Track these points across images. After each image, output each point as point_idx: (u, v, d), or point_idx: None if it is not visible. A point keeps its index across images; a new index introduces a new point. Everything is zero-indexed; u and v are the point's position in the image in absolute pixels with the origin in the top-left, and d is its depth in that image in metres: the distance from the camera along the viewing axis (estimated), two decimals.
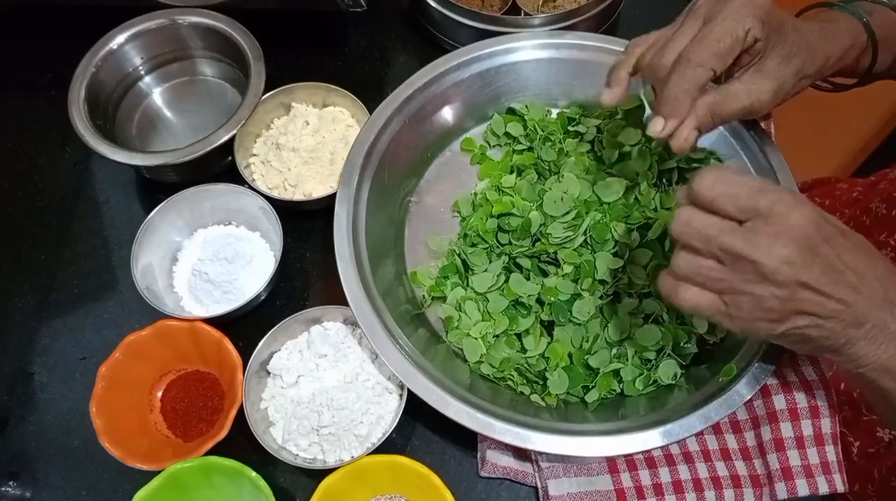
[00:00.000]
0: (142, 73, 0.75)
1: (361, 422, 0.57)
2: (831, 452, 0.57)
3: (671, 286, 0.44)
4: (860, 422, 0.67)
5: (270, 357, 0.60)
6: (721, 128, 0.64)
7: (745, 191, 0.40)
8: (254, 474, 0.54)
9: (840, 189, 0.81)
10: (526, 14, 0.75)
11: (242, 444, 0.60)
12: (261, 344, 0.59)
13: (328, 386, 0.59)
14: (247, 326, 0.65)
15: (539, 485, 0.58)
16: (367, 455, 0.55)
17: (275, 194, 0.67)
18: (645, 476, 0.57)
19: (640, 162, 0.64)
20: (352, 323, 0.61)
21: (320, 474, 0.55)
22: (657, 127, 0.51)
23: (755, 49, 0.50)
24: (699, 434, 0.59)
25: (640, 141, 0.65)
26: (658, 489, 0.57)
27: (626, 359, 0.58)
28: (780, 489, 0.56)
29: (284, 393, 0.60)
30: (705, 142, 0.65)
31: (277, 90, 0.70)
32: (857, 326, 0.42)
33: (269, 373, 0.60)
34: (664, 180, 0.64)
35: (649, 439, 0.51)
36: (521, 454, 0.59)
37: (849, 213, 0.75)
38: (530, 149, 0.68)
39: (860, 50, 0.58)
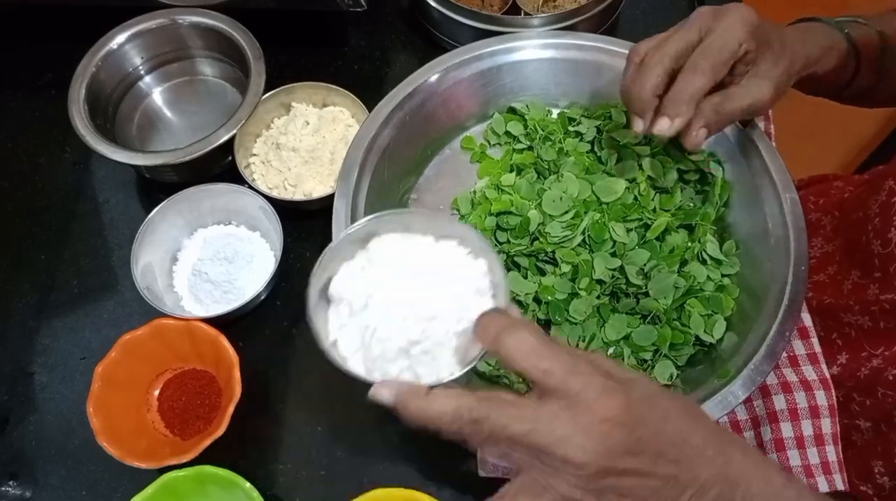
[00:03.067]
0: (142, 72, 0.75)
1: (457, 332, 0.46)
2: (832, 452, 0.57)
3: None
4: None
5: (328, 283, 0.49)
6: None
7: (558, 368, 0.38)
8: (248, 485, 0.54)
9: (836, 187, 0.82)
10: (526, 14, 0.75)
11: (240, 442, 0.60)
12: (315, 271, 0.48)
13: (408, 298, 0.48)
14: (247, 326, 0.65)
15: None
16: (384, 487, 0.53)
17: (275, 194, 0.67)
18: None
19: (647, 162, 0.64)
20: (408, 229, 0.51)
21: (322, 480, 0.54)
22: (663, 125, 0.54)
23: (748, 58, 0.54)
24: None
25: (640, 141, 0.65)
26: None
27: (623, 359, 0.58)
28: None
29: (355, 321, 0.49)
30: (705, 142, 0.65)
31: (277, 90, 0.70)
32: (702, 493, 0.39)
33: (328, 302, 0.50)
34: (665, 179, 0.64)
35: None
36: None
37: (839, 215, 0.75)
38: (530, 148, 0.68)
39: (841, 54, 0.62)
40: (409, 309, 0.47)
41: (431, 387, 0.41)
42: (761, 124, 0.71)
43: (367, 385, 0.44)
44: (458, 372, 0.45)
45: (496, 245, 0.63)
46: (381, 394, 0.42)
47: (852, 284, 0.67)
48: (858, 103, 0.72)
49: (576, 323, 0.59)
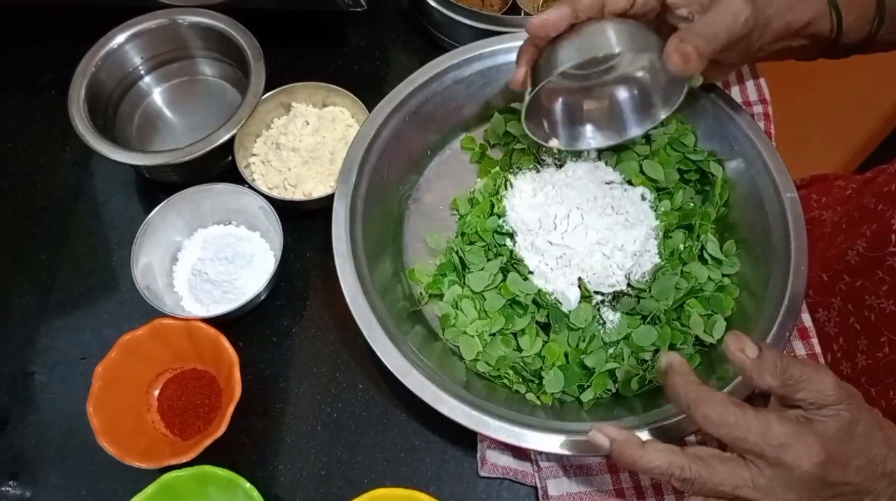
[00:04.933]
0: (142, 72, 0.75)
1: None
2: None
3: None
4: None
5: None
6: (720, 129, 0.64)
7: (751, 436, 0.42)
8: (248, 485, 0.53)
9: (837, 186, 0.82)
10: (526, 14, 0.75)
11: (240, 442, 0.60)
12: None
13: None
14: (247, 326, 0.65)
15: (539, 485, 0.58)
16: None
17: (275, 194, 0.67)
18: (644, 476, 0.57)
19: (647, 163, 0.64)
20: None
21: (322, 480, 0.54)
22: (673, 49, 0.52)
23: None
24: (698, 434, 0.59)
25: (640, 141, 0.65)
26: (657, 489, 0.57)
27: (622, 359, 0.58)
28: None
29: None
30: (705, 143, 0.66)
31: (277, 90, 0.70)
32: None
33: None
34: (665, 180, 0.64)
35: (644, 439, 0.51)
36: (521, 453, 0.59)
37: (841, 211, 0.75)
38: (530, 148, 0.68)
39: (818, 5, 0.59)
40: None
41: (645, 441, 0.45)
42: (761, 124, 0.71)
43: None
44: None
45: (496, 246, 0.63)
46: (599, 439, 0.46)
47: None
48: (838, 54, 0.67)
49: (575, 330, 0.59)
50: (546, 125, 0.63)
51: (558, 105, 0.64)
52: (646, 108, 0.62)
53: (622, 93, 0.63)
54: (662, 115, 0.61)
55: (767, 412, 0.44)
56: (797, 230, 0.59)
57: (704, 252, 0.61)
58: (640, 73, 0.61)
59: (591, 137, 0.64)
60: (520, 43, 0.67)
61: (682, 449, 0.44)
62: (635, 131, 0.63)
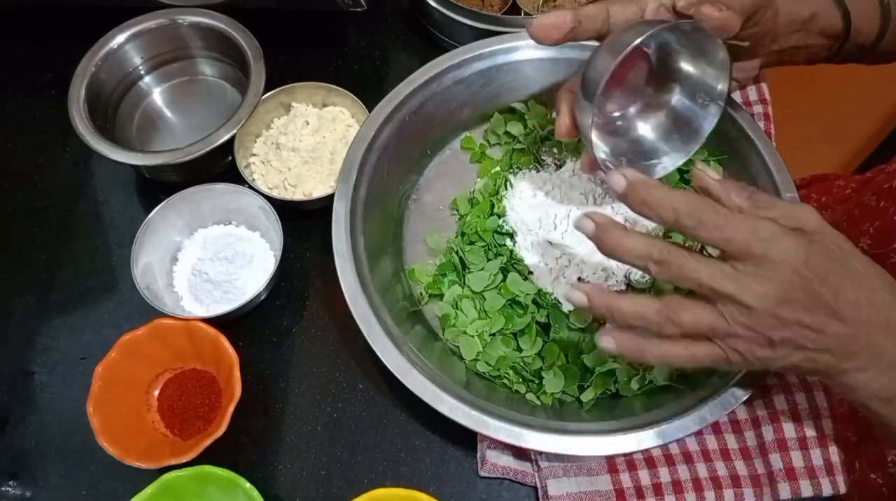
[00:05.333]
0: (142, 72, 0.75)
1: None
2: (834, 453, 0.57)
3: (657, 350, 0.45)
4: None
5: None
6: (720, 129, 0.64)
7: (739, 235, 0.41)
8: (248, 485, 0.53)
9: (837, 186, 0.82)
10: (526, 14, 0.75)
11: (240, 442, 0.60)
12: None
13: None
14: (247, 326, 0.65)
15: (539, 485, 0.58)
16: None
17: (275, 194, 0.67)
18: (644, 476, 0.57)
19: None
20: None
21: (322, 480, 0.54)
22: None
23: None
24: (698, 434, 0.59)
25: None
26: (657, 489, 0.57)
27: (622, 359, 0.58)
28: (784, 489, 0.56)
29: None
30: (705, 143, 0.65)
31: (277, 90, 0.70)
32: (850, 359, 0.43)
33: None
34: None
35: (644, 439, 0.51)
36: (521, 453, 0.59)
37: (841, 210, 0.75)
38: (530, 148, 0.68)
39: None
40: None
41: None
42: (762, 124, 0.71)
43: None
44: None
45: (496, 246, 0.63)
46: (585, 224, 0.45)
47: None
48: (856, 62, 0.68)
49: (575, 330, 0.59)
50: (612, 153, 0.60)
51: (614, 137, 0.60)
52: (688, 122, 0.59)
53: (665, 113, 0.60)
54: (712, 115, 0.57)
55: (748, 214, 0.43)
56: None
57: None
58: (683, 74, 0.57)
59: (658, 161, 0.60)
60: (520, 43, 0.67)
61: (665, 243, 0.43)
62: (690, 146, 0.59)
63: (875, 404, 0.45)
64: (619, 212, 0.62)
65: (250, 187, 0.66)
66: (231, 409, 0.56)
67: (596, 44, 0.54)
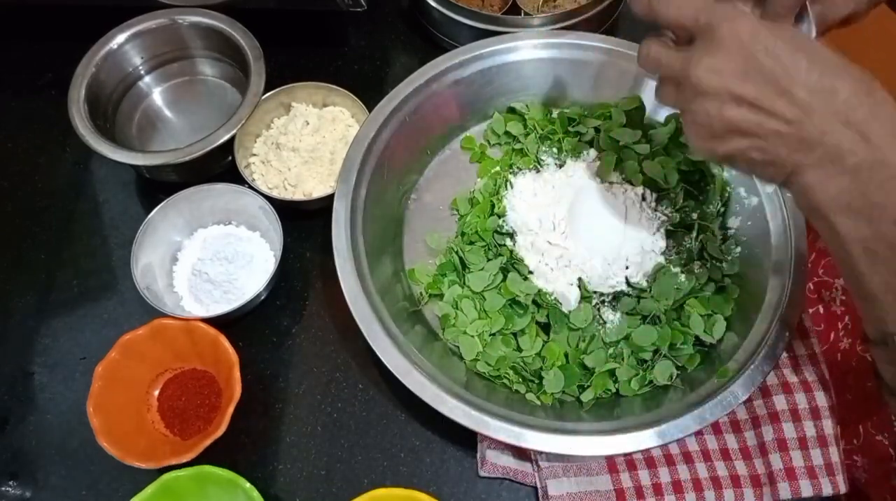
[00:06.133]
0: (142, 72, 0.75)
1: None
2: (834, 453, 0.57)
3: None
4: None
5: None
6: None
7: (688, 12, 0.41)
8: (248, 485, 0.53)
9: None
10: (526, 14, 0.75)
11: (240, 442, 0.60)
12: None
13: None
14: (247, 326, 0.65)
15: (539, 485, 0.58)
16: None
17: (275, 194, 0.67)
18: (644, 476, 0.57)
19: (648, 163, 0.64)
20: None
21: (322, 480, 0.54)
22: None
23: None
24: (698, 434, 0.59)
25: (640, 141, 0.65)
26: (657, 489, 0.57)
27: (622, 359, 0.58)
28: (784, 489, 0.56)
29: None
30: None
31: (277, 90, 0.70)
32: (804, 151, 0.40)
33: None
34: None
35: (644, 439, 0.51)
36: (521, 453, 0.59)
37: None
38: (529, 148, 0.68)
39: None
40: None
41: None
42: None
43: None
44: None
45: (496, 246, 0.63)
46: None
47: None
48: None
49: (575, 330, 0.59)
50: None
51: None
52: None
53: None
54: None
55: None
56: (797, 229, 0.59)
57: (704, 252, 0.61)
58: None
59: None
60: (520, 43, 0.67)
61: None
62: None
63: (837, 218, 0.40)
64: (620, 212, 0.62)
65: (250, 187, 0.66)
66: (231, 409, 0.56)
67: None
